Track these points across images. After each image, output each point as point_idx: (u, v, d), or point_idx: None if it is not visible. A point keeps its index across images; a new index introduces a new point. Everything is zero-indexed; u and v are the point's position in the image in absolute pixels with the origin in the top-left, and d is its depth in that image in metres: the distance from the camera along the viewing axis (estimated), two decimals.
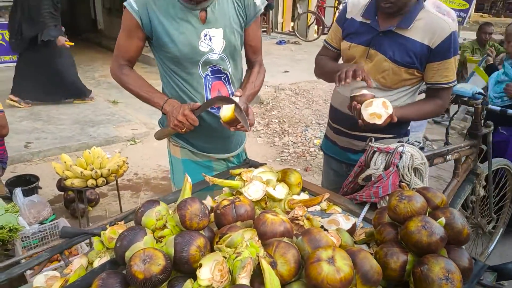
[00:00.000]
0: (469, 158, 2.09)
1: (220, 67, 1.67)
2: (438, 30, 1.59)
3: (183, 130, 1.57)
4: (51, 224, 2.61)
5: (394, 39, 1.63)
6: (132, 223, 1.28)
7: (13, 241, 2.30)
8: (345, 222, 1.35)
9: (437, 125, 5.74)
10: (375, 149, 1.52)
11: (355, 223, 1.36)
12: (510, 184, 2.57)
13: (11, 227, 2.18)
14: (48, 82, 5.21)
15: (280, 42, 10.05)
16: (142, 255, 0.93)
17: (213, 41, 1.62)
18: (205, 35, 1.60)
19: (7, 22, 6.72)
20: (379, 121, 1.50)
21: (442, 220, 1.09)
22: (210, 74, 1.66)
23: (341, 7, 8.29)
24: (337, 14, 10.13)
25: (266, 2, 1.77)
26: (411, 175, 1.45)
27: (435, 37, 1.60)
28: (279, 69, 7.41)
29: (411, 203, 1.12)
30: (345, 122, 1.79)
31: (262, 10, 1.73)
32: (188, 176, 1.23)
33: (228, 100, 1.57)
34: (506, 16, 17.30)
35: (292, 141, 4.92)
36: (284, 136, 5.07)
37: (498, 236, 2.73)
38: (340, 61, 1.91)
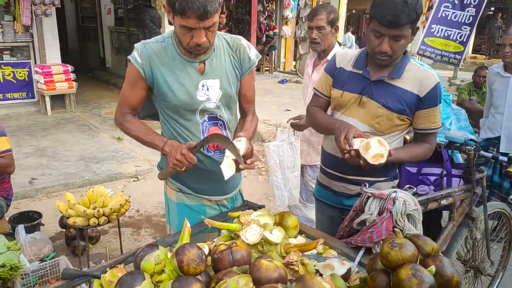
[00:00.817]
0: (464, 202, 2.13)
1: (216, 114, 1.77)
2: (426, 81, 1.73)
3: (182, 169, 1.63)
4: (52, 262, 2.62)
5: (386, 87, 1.74)
6: (131, 265, 1.32)
7: (13, 279, 2.31)
8: (340, 266, 1.39)
9: None
10: (369, 195, 1.57)
11: (350, 268, 1.39)
12: (507, 228, 2.58)
13: (12, 265, 2.20)
14: None
15: (282, 81, 10.31)
16: None
17: (210, 91, 1.72)
18: (203, 86, 1.70)
19: (19, 61, 7.05)
20: (383, 160, 1.56)
21: (432, 268, 1.12)
22: (207, 120, 1.75)
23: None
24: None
25: (260, 56, 1.88)
26: (404, 221, 1.49)
27: (423, 87, 1.72)
28: (281, 107, 7.57)
29: (402, 250, 1.16)
30: (339, 166, 1.85)
31: (256, 63, 1.85)
32: (187, 221, 1.29)
33: (223, 137, 1.65)
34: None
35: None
36: None
37: (499, 280, 2.71)
38: (329, 110, 1.98)
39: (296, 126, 2.68)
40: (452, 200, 1.99)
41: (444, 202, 1.93)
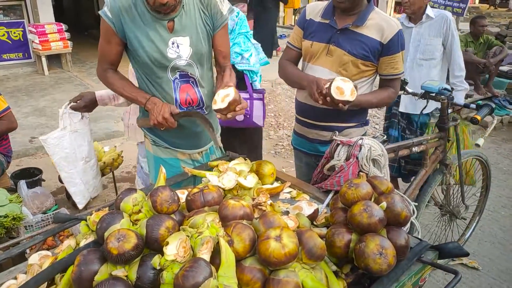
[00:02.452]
0: (437, 150, 2.22)
1: (187, 72, 1.80)
2: (388, 28, 1.81)
3: (162, 129, 1.73)
4: (53, 214, 2.79)
5: (351, 36, 1.81)
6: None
7: (17, 229, 2.49)
8: (308, 207, 1.50)
9: None
10: (338, 142, 1.66)
11: (317, 209, 1.51)
12: (484, 174, 2.69)
13: (15, 216, 2.37)
14: None
15: (280, 36, 10.14)
16: (117, 234, 1.09)
17: (180, 48, 1.74)
18: (173, 43, 1.73)
19: (12, 20, 6.97)
20: (356, 93, 1.64)
21: (383, 204, 1.23)
22: (178, 78, 1.80)
23: None
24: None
25: (234, 10, 1.90)
26: (369, 166, 1.59)
27: (386, 34, 1.80)
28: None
29: (358, 189, 1.27)
30: (311, 114, 1.94)
31: (228, 19, 1.85)
32: (163, 167, 1.39)
33: (204, 119, 1.74)
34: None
35: (286, 134, 5.06)
36: (279, 129, 5.21)
37: (475, 224, 2.86)
38: (300, 63, 2.05)
39: (79, 108, 2.30)
40: (424, 148, 2.08)
41: (415, 149, 2.02)
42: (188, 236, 1.13)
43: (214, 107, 1.67)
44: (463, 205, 2.54)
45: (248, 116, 2.62)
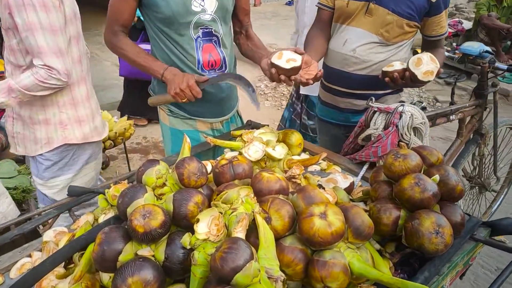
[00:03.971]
0: (474, 118, 2.07)
1: (212, 29, 1.65)
2: None
3: (183, 100, 1.57)
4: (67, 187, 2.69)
5: None
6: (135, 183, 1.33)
7: (28, 202, 2.40)
8: (343, 180, 1.38)
9: (448, 86, 5.63)
10: (375, 109, 1.52)
11: (353, 182, 1.39)
12: None
13: (25, 188, 2.27)
14: None
15: (289, 3, 9.77)
16: (142, 211, 0.97)
17: (205, 1, 1.59)
18: None
19: None
20: (431, 78, 1.50)
21: (436, 177, 1.10)
22: (201, 36, 1.64)
23: None
24: None
25: None
26: (410, 135, 1.45)
27: None
28: (288, 30, 7.24)
29: (406, 161, 1.13)
30: (344, 81, 1.78)
31: None
32: (187, 136, 1.26)
33: (240, 78, 1.57)
34: None
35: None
36: None
37: (503, 196, 2.74)
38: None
39: None
40: (461, 116, 1.93)
41: (453, 117, 1.87)
42: (221, 212, 1.01)
43: (275, 60, 1.48)
44: (494, 177, 2.41)
45: None
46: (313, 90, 2.61)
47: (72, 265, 1.15)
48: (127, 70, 3.86)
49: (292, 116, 2.96)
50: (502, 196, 2.72)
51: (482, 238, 1.16)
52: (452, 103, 1.96)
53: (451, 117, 1.85)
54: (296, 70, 1.47)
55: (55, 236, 1.23)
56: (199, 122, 1.80)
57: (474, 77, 5.26)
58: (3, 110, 2.84)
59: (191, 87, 1.52)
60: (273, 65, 1.47)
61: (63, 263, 1.15)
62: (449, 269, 1.09)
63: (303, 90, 2.78)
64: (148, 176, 1.15)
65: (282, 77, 1.47)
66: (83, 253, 1.09)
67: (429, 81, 1.50)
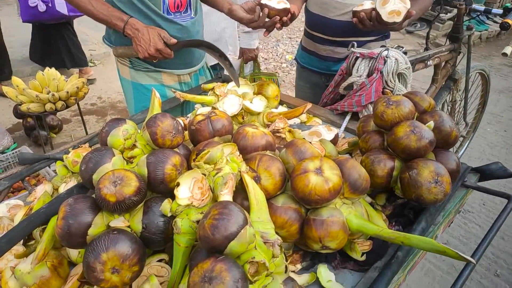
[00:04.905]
0: (448, 63, 2.03)
1: None
2: None
3: (154, 61, 1.41)
4: (13, 153, 2.44)
5: None
6: (98, 146, 1.17)
7: None
8: (328, 132, 1.30)
9: (410, 35, 5.64)
10: (358, 55, 1.41)
11: (337, 134, 1.30)
12: (483, 90, 2.57)
13: None
14: None
15: None
16: (112, 177, 0.84)
17: None
18: None
19: None
20: (398, 19, 1.37)
21: (431, 123, 1.04)
22: None
23: None
24: None
25: None
26: (395, 81, 1.38)
27: None
28: None
29: (399, 108, 1.06)
30: (325, 28, 1.65)
31: None
32: (155, 90, 1.10)
33: (216, 49, 1.42)
34: None
35: (263, 58, 4.72)
36: None
37: (468, 141, 2.81)
38: None
39: None
40: (438, 61, 1.88)
41: (430, 63, 1.82)
42: (204, 174, 0.90)
43: (265, 1, 1.40)
44: (464, 122, 2.44)
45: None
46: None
47: (32, 242, 1.01)
48: (27, 14, 3.47)
49: None
50: (468, 141, 2.79)
51: (473, 184, 1.13)
52: (427, 49, 1.90)
53: (428, 62, 1.79)
54: (286, 11, 1.41)
55: (9, 210, 1.07)
56: (165, 75, 1.62)
57: (435, 26, 5.30)
58: None
59: (161, 51, 1.38)
60: (263, 6, 1.38)
61: (22, 240, 1.01)
62: (443, 218, 1.06)
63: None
64: (114, 137, 0.99)
65: (277, 18, 1.39)
66: (44, 227, 0.95)
67: (395, 23, 1.39)
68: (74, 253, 0.97)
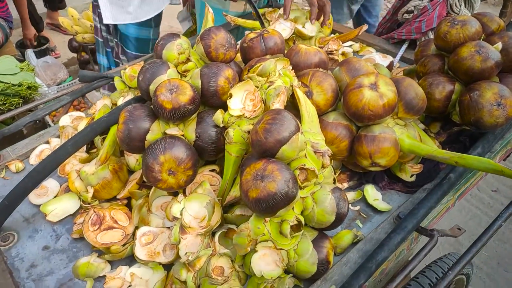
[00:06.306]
0: None
1: None
2: None
3: None
4: (70, 84, 2.57)
5: None
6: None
7: (34, 100, 2.30)
8: (382, 60, 1.25)
9: None
10: None
11: (392, 61, 1.25)
12: None
13: (30, 85, 2.15)
14: None
15: None
16: (168, 85, 0.86)
17: None
18: None
19: None
20: None
21: (499, 45, 0.96)
22: None
23: None
24: None
25: None
26: (460, 6, 1.27)
27: None
28: None
29: (464, 27, 0.98)
30: None
31: None
32: (209, 7, 1.09)
33: None
34: None
35: None
36: None
37: None
38: None
39: None
40: None
41: None
42: (256, 86, 0.90)
43: None
44: None
45: None
46: (120, 17, 1.89)
47: (94, 150, 1.08)
48: None
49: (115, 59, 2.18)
50: None
51: None
52: None
53: None
54: None
55: (72, 121, 1.15)
56: (233, 4, 1.61)
57: None
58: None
59: None
60: None
61: (84, 147, 1.09)
62: (501, 147, 1.01)
63: (107, 19, 1.94)
64: (169, 51, 1.01)
65: None
66: (104, 137, 1.01)
67: None
68: (132, 161, 1.03)
